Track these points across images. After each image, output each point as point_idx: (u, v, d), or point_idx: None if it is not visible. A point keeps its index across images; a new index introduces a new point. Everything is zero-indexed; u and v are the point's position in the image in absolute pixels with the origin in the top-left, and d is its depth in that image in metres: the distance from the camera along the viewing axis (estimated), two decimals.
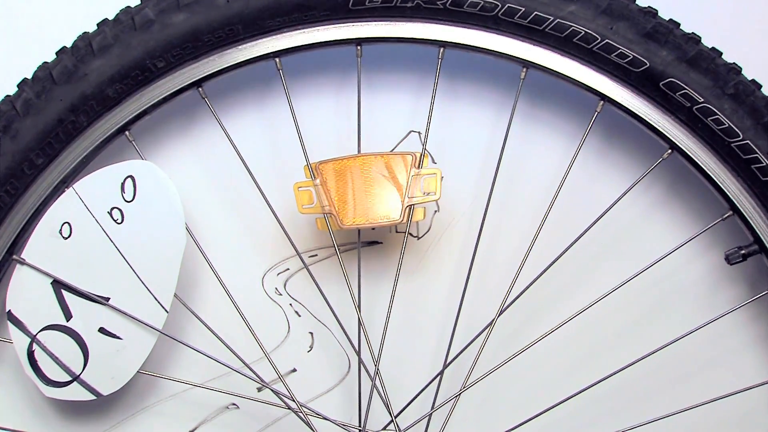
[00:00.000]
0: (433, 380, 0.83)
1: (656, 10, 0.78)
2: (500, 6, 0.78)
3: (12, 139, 0.78)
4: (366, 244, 0.89)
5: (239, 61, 0.81)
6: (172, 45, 0.79)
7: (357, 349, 0.83)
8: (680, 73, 0.77)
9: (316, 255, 0.89)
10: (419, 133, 0.87)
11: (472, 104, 0.89)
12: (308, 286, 0.86)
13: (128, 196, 0.80)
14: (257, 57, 0.81)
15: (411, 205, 0.80)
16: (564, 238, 0.82)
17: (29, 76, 0.79)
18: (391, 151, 0.88)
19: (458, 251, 0.90)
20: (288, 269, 0.89)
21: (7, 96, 0.79)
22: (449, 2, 0.78)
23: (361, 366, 0.82)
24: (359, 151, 0.82)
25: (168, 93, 0.81)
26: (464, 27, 0.80)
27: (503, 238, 0.89)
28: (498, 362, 0.81)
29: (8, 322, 0.80)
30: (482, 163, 0.89)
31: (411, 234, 0.87)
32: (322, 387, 0.89)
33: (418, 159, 0.80)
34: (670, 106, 0.78)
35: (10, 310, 0.80)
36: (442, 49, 0.81)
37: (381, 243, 0.90)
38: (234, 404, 0.87)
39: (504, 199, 0.88)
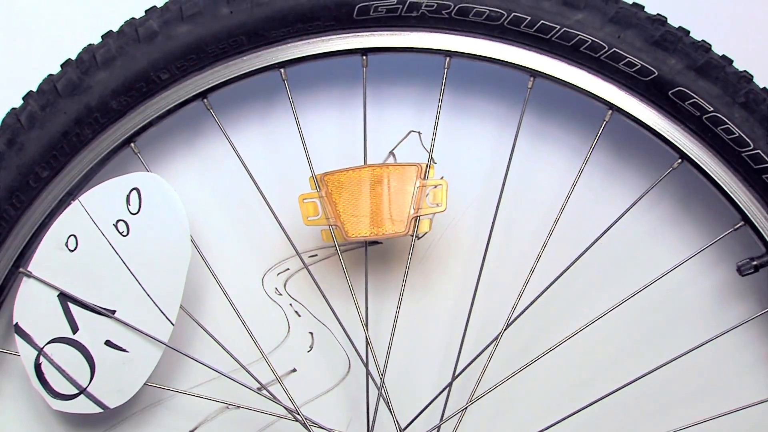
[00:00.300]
0: (441, 393, 0.82)
1: (665, 18, 0.77)
2: (506, 15, 0.77)
3: (17, 152, 0.78)
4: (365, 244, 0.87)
5: (244, 72, 0.80)
6: (176, 57, 0.78)
7: (364, 361, 0.82)
8: (689, 81, 0.76)
9: (316, 255, 0.88)
10: (419, 133, 0.87)
11: (478, 114, 0.89)
12: (308, 286, 0.86)
13: (133, 208, 0.80)
14: (262, 68, 0.80)
15: (417, 216, 0.79)
16: (573, 249, 0.81)
17: (34, 89, 0.79)
18: (391, 151, 0.87)
19: (463, 259, 0.89)
20: (288, 269, 0.88)
21: (12, 109, 0.79)
22: (454, 11, 0.77)
23: (369, 378, 0.82)
24: (365, 162, 0.81)
25: (173, 105, 0.80)
26: (470, 36, 0.79)
27: (511, 247, 0.88)
28: (507, 373, 0.80)
29: (15, 335, 0.80)
30: (488, 172, 0.88)
31: (410, 234, 0.86)
32: (321, 387, 0.89)
33: (423, 170, 0.79)
34: (679, 116, 0.77)
35: (17, 323, 0.80)
36: (448, 59, 0.80)
37: (381, 243, 0.89)
38: (234, 404, 0.86)
39: (511, 208, 0.87)
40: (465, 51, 0.79)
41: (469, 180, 0.88)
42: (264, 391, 0.83)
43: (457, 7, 0.77)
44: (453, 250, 0.89)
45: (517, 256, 0.88)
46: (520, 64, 0.79)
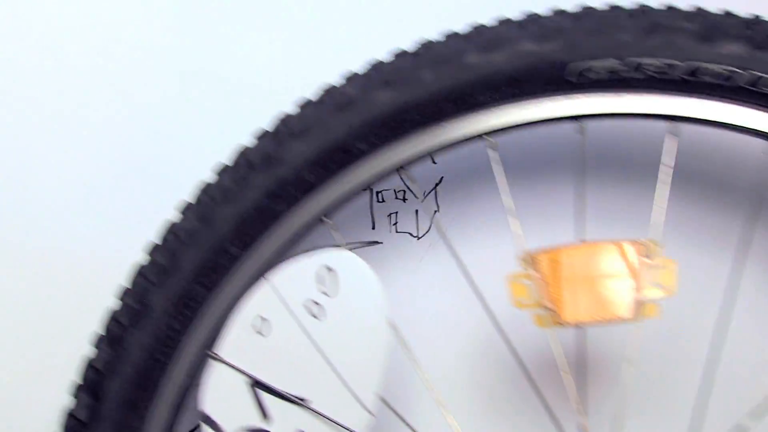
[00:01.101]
0: None
1: None
2: (743, 74, 0.69)
3: (209, 228, 0.74)
4: (366, 244, 0.78)
5: (446, 142, 0.74)
6: (374, 125, 0.73)
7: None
8: None
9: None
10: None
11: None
12: None
13: (327, 288, 0.75)
14: (466, 138, 0.74)
15: (641, 300, 0.71)
16: None
17: (228, 163, 0.75)
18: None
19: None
20: None
21: (206, 183, 0.75)
22: (684, 72, 0.69)
23: None
24: (581, 239, 0.74)
25: (370, 177, 0.75)
26: (701, 98, 0.71)
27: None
28: None
29: (202, 424, 0.75)
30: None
31: (411, 234, 0.77)
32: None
33: (648, 248, 0.71)
34: None
35: (204, 411, 0.75)
36: (674, 124, 0.72)
37: (381, 243, 0.81)
38: None
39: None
40: (694, 116, 0.71)
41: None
42: None
43: (687, 67, 0.69)
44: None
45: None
46: (761, 130, 0.70)
